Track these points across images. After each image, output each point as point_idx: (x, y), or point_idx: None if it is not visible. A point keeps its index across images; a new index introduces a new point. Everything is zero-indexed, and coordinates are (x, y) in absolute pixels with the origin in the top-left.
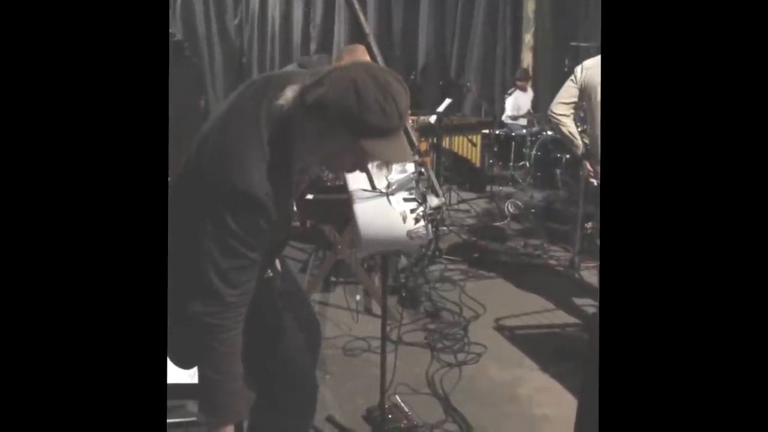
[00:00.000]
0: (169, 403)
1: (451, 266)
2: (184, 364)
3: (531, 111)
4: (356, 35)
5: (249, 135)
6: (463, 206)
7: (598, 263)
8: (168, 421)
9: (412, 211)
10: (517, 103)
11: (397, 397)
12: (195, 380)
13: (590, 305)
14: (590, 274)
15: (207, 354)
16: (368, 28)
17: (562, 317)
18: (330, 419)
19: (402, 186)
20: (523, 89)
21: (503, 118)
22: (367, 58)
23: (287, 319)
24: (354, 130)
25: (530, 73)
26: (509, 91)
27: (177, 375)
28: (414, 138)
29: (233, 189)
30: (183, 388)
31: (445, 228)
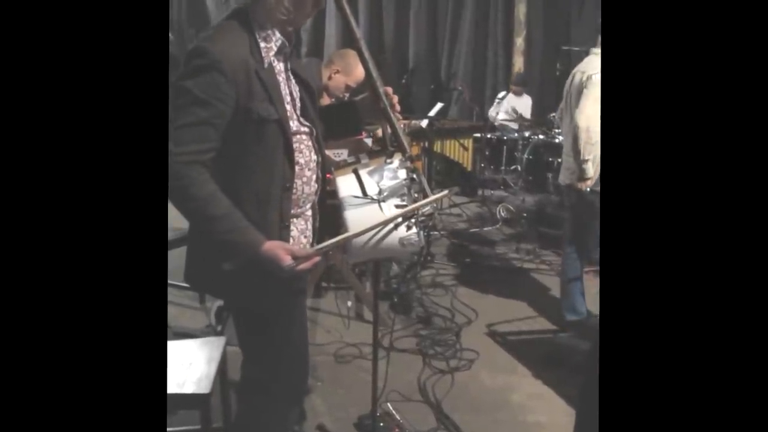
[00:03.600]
0: None
1: (442, 271)
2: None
3: (521, 114)
4: (347, 39)
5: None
6: (454, 210)
7: (594, 269)
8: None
9: (404, 219)
10: (510, 106)
11: (388, 404)
12: (185, 390)
13: None
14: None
15: (192, 210)
16: (359, 32)
17: (554, 323)
18: (321, 427)
19: (393, 192)
20: (518, 94)
21: (495, 118)
22: (359, 63)
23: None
24: None
25: (526, 79)
26: (500, 96)
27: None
28: (405, 142)
29: (193, 50)
30: (173, 399)
31: (436, 233)
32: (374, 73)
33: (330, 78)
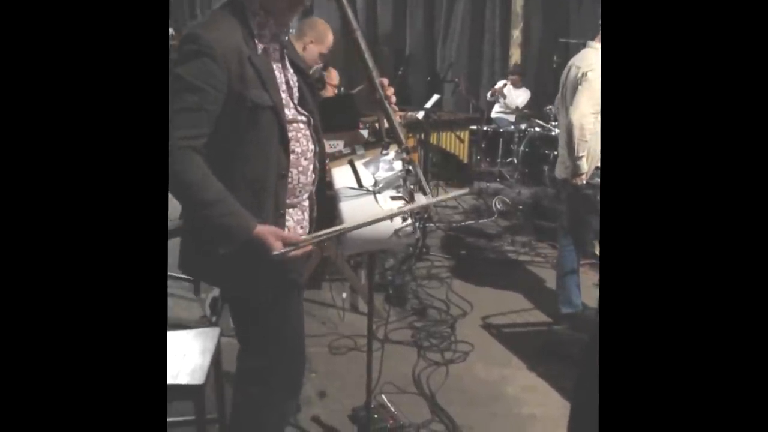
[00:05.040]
0: None
1: (438, 263)
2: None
3: (518, 108)
4: (343, 30)
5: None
6: (450, 202)
7: (590, 261)
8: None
9: (399, 208)
10: (510, 98)
11: (383, 396)
12: (179, 381)
13: None
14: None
15: (186, 196)
16: (356, 23)
17: (549, 315)
18: (315, 419)
19: (389, 184)
20: (516, 84)
21: (493, 97)
22: (329, 30)
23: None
24: None
25: (522, 69)
26: (498, 85)
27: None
28: (401, 134)
29: (186, 36)
30: (168, 389)
31: (432, 224)
32: (370, 64)
33: (304, 49)
